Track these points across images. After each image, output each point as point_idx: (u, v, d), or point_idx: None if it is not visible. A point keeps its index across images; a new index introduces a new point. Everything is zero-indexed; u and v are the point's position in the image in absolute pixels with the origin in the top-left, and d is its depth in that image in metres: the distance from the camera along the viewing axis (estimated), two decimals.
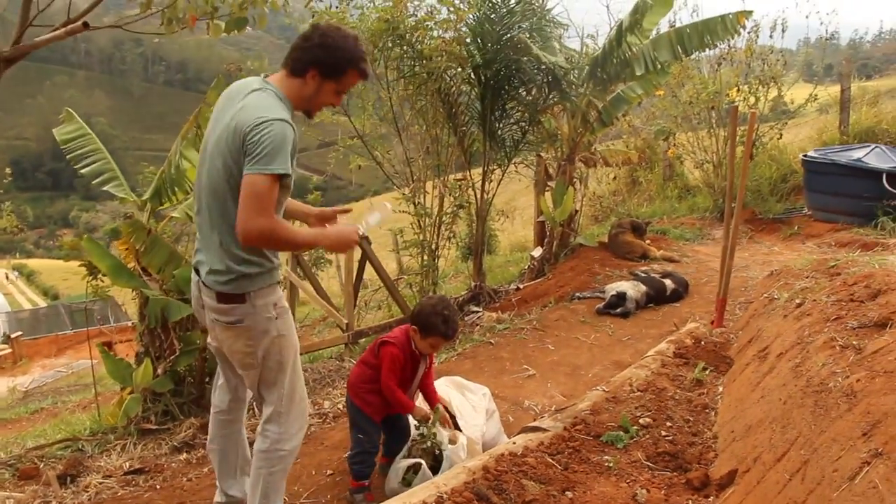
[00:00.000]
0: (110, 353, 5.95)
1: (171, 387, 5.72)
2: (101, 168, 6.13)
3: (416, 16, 8.00)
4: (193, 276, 3.33)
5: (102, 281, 6.27)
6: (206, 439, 5.06)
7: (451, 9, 7.94)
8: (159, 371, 5.71)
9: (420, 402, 4.17)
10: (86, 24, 4.36)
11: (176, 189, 6.20)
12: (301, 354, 8.55)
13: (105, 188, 6.04)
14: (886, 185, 9.40)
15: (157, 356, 5.80)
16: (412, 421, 4.15)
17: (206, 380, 5.94)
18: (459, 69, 8.37)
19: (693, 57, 10.29)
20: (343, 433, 4.72)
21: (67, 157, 6.11)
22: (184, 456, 4.99)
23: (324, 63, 3.10)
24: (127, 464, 4.89)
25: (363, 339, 7.74)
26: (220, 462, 3.72)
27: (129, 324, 16.79)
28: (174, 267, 5.84)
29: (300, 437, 3.44)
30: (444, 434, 3.97)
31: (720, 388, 4.58)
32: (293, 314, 9.72)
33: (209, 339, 3.51)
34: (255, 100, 3.03)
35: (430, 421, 3.98)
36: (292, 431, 3.37)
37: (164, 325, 5.77)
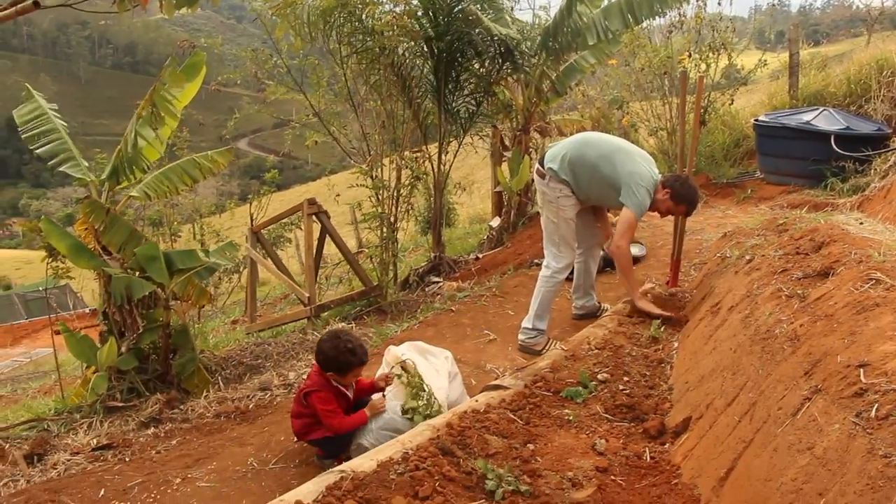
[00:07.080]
0: (74, 332, 5.94)
1: (136, 364, 5.74)
2: (57, 149, 6.06)
3: None
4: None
5: (62, 263, 6.22)
6: (172, 414, 5.13)
7: None
8: (123, 349, 5.72)
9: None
10: (36, 3, 4.31)
11: (133, 168, 6.16)
12: (264, 330, 8.65)
13: (61, 168, 5.99)
14: (835, 147, 9.61)
15: (121, 334, 5.81)
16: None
17: (171, 356, 5.97)
18: (412, 43, 8.39)
19: (644, 26, 10.41)
20: None
21: (23, 136, 6.02)
22: (151, 430, 5.03)
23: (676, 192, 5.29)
24: (94, 440, 4.91)
25: (325, 313, 7.81)
26: (575, 286, 6.23)
27: (87, 310, 16.57)
28: (135, 245, 5.83)
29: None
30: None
31: (675, 344, 4.73)
32: (255, 291, 9.78)
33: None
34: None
35: (397, 378, 4.08)
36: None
37: (128, 303, 5.78)
